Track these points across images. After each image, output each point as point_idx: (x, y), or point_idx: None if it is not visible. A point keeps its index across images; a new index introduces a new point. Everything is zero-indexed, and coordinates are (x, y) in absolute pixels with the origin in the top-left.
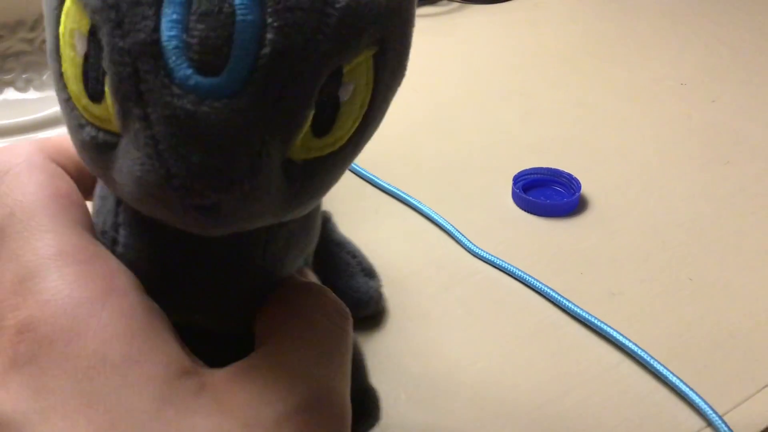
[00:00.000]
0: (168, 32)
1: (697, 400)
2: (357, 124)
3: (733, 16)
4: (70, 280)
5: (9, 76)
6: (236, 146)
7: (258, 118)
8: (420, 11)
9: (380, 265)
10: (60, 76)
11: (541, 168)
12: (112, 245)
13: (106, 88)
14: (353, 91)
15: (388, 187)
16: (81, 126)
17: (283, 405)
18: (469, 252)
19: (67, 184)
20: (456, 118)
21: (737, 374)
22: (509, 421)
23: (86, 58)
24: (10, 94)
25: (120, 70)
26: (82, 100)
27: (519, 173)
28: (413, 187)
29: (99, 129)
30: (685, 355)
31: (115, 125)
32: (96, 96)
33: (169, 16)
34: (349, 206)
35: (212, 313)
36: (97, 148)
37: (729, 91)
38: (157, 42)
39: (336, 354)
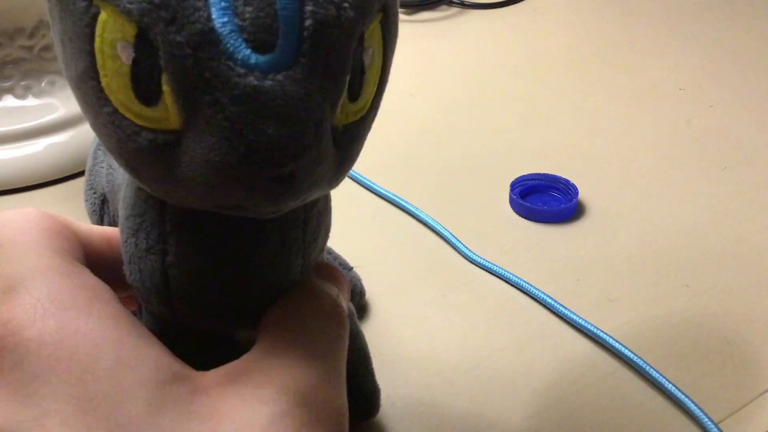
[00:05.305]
0: (220, 19)
1: (693, 407)
2: (376, 87)
3: (732, 21)
4: (54, 288)
5: (8, 84)
6: (303, 113)
7: (314, 86)
8: (419, 16)
9: (377, 271)
10: (99, 93)
11: (539, 174)
12: (162, 257)
13: (164, 87)
14: (372, 55)
15: (385, 192)
16: (135, 133)
17: (275, 404)
18: (466, 258)
19: (59, 224)
20: (454, 123)
21: (734, 382)
22: (506, 428)
23: (134, 64)
24: (9, 101)
25: (182, 63)
26: (134, 107)
27: (516, 179)
28: (410, 193)
29: (156, 131)
30: (682, 363)
31: (174, 123)
32: (150, 98)
33: (218, 4)
34: (346, 212)
35: (258, 309)
36: (158, 150)
37: (728, 96)
38: (212, 30)
39: (329, 355)
